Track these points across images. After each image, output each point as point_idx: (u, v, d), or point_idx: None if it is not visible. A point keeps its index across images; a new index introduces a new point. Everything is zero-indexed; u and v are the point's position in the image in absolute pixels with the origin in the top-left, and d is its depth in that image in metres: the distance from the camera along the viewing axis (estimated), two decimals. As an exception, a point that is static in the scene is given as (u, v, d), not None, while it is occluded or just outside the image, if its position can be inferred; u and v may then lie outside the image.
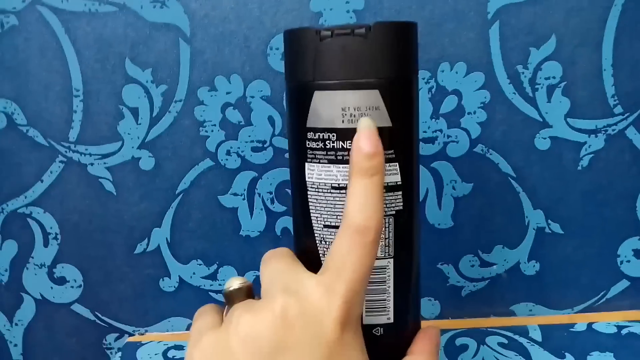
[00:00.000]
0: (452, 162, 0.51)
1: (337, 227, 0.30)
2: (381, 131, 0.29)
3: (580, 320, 0.53)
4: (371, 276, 0.29)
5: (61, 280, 0.54)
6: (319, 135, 0.30)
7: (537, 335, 0.51)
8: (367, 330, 0.31)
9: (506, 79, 0.50)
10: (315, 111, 0.30)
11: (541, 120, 0.50)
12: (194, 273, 0.54)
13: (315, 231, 0.31)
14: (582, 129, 0.50)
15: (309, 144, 0.31)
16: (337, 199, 0.30)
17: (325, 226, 0.31)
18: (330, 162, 0.30)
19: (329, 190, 0.31)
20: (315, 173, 0.31)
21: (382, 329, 0.32)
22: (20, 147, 0.52)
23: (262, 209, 0.53)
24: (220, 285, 0.54)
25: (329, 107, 0.30)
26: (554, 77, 0.50)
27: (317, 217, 0.31)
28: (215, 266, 0.54)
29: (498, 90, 0.50)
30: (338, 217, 0.31)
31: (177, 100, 0.51)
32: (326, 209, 0.31)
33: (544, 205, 0.52)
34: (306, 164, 0.31)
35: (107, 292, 0.54)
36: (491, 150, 0.51)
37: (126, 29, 0.49)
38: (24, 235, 0.54)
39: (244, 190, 0.52)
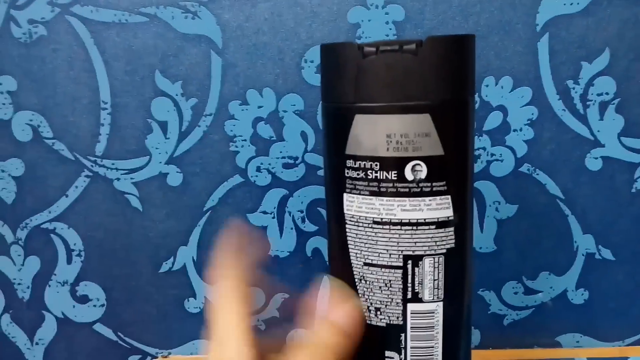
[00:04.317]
0: (496, 182, 0.50)
1: (379, 265, 0.28)
2: (432, 160, 0.27)
3: (632, 354, 0.51)
4: (419, 321, 0.27)
5: (84, 299, 0.54)
6: (359, 164, 0.28)
7: (585, 369, 0.50)
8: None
9: (555, 94, 0.48)
10: (356, 137, 0.28)
11: (592, 139, 0.49)
12: (221, 294, 0.52)
13: (354, 269, 0.29)
14: (637, 148, 0.49)
15: (348, 173, 0.28)
16: (380, 234, 0.28)
17: (365, 264, 0.29)
18: (372, 194, 0.28)
19: (370, 225, 0.28)
20: (355, 205, 0.28)
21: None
22: (46, 160, 0.51)
23: (292, 228, 0.51)
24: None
25: (372, 133, 0.27)
26: (607, 93, 0.48)
27: (356, 254, 0.29)
28: (243, 287, 0.52)
29: (546, 107, 0.48)
30: (380, 255, 0.28)
31: (207, 114, 0.50)
32: (367, 245, 0.28)
33: (595, 229, 0.50)
34: (345, 194, 0.29)
35: (130, 312, 0.54)
36: (538, 170, 0.49)
37: (156, 40, 0.49)
38: (47, 251, 0.53)
39: (274, 208, 0.51)
